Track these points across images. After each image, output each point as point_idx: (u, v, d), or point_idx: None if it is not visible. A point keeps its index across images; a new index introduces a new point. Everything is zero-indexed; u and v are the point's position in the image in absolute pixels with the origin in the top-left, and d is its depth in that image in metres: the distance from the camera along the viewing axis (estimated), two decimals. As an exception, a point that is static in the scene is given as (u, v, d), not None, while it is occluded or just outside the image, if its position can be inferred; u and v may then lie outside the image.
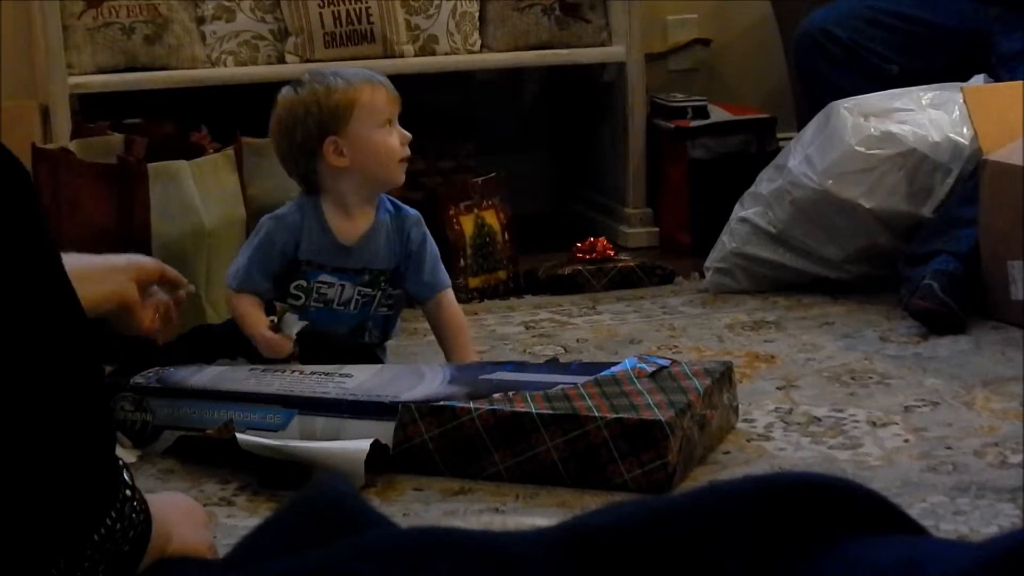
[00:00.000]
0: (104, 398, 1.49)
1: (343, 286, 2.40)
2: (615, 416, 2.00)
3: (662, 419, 1.99)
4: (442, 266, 2.45)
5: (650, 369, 2.15)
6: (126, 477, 1.47)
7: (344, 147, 2.37)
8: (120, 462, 1.47)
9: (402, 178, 2.42)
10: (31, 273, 1.37)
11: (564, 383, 2.11)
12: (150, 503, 1.50)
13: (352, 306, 2.40)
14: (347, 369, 2.23)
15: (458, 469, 2.06)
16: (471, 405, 2.06)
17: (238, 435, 2.06)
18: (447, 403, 2.08)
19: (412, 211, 2.45)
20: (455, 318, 2.43)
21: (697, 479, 2.04)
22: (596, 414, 2.01)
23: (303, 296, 2.40)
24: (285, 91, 2.43)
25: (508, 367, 2.26)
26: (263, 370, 2.26)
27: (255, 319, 2.34)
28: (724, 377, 2.19)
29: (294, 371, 2.25)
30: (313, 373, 2.23)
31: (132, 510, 1.45)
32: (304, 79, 2.42)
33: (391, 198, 2.45)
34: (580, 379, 2.12)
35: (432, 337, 2.48)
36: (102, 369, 1.48)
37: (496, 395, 2.08)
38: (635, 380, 2.11)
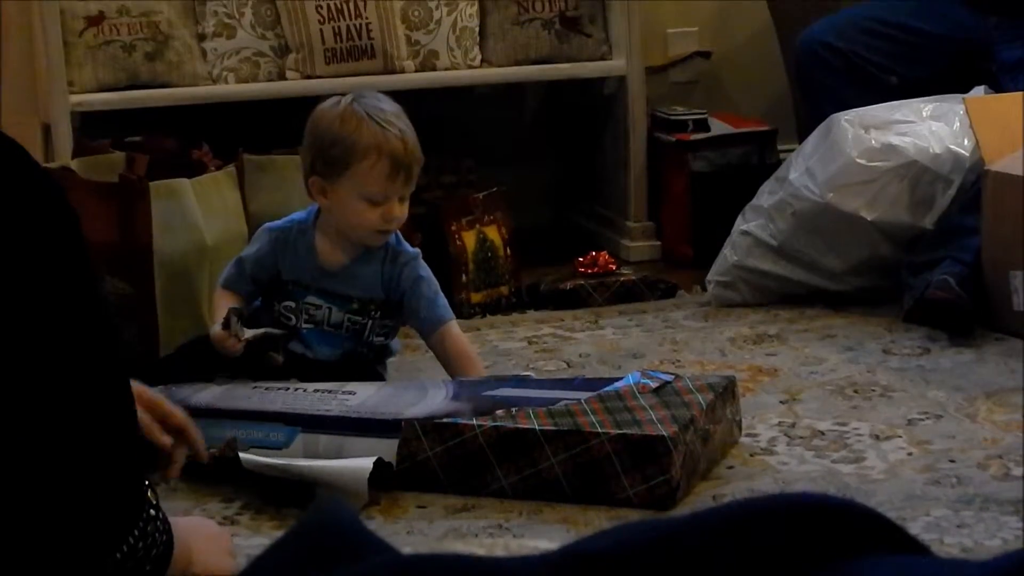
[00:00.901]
0: (133, 419, 1.50)
1: (330, 309, 2.40)
2: (618, 431, 2.00)
3: (665, 434, 1.98)
4: (443, 300, 2.42)
5: (653, 384, 2.15)
6: (151, 497, 1.47)
7: (327, 190, 2.37)
8: (146, 482, 1.48)
9: (377, 242, 2.38)
10: (68, 302, 1.40)
11: (567, 399, 2.10)
12: (175, 525, 1.50)
13: (343, 330, 2.40)
14: (350, 386, 2.23)
15: (462, 486, 2.06)
16: (474, 421, 2.06)
17: (241, 454, 2.06)
18: (450, 419, 2.08)
19: (411, 249, 2.43)
20: (461, 350, 2.40)
21: (700, 494, 2.04)
22: (599, 429, 2.01)
23: (293, 317, 2.41)
24: (325, 103, 2.40)
25: (511, 383, 2.26)
26: (266, 388, 2.26)
27: (218, 315, 2.36)
28: (727, 391, 2.19)
29: (297, 388, 2.25)
30: (316, 391, 2.22)
31: (155, 530, 1.46)
32: (343, 101, 2.37)
33: (396, 231, 2.42)
34: (583, 395, 2.12)
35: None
36: (131, 391, 1.49)
37: (499, 411, 2.08)
38: (638, 395, 2.11)
